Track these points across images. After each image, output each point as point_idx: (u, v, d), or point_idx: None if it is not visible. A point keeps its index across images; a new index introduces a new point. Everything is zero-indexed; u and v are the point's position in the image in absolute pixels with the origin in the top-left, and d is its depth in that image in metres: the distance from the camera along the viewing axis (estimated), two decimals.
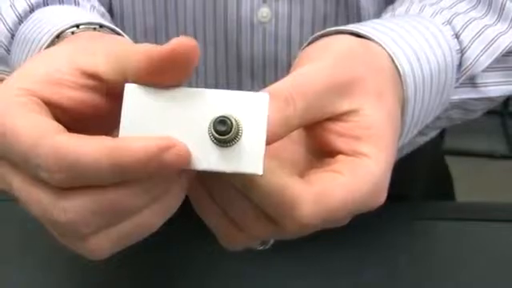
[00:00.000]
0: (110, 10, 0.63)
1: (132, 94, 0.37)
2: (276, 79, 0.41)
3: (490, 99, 0.56)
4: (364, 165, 0.41)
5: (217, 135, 0.36)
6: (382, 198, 0.42)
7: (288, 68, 0.47)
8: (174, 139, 0.36)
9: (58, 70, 0.39)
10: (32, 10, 0.52)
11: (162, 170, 0.36)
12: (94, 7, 0.56)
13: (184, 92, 0.37)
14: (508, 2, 0.53)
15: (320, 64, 0.43)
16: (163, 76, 0.37)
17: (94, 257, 0.39)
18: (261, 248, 0.44)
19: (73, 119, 0.39)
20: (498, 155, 2.14)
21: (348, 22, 0.58)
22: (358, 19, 0.60)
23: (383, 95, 0.43)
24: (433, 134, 0.61)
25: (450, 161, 0.90)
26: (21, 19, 0.52)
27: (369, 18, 0.60)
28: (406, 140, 0.51)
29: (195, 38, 0.62)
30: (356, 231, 0.57)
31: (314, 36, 0.47)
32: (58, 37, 0.46)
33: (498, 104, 0.58)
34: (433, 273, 0.57)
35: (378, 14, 0.61)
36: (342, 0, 0.60)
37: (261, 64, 0.62)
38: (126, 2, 0.62)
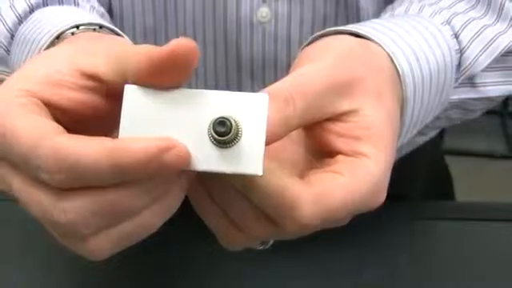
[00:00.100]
0: (110, 11, 0.63)
1: (132, 95, 0.37)
2: (276, 79, 0.41)
3: (489, 99, 0.56)
4: (363, 165, 0.41)
5: (216, 136, 0.36)
6: (382, 198, 0.42)
7: (287, 68, 0.47)
8: (173, 140, 0.36)
9: (57, 71, 0.39)
10: (32, 10, 0.52)
11: (161, 171, 0.36)
12: (94, 8, 0.56)
13: (184, 93, 0.37)
14: (507, 2, 0.53)
15: (320, 64, 0.43)
16: (163, 77, 0.37)
17: (94, 257, 0.39)
18: (261, 248, 0.44)
19: (73, 120, 0.39)
20: (498, 155, 2.14)
21: (347, 22, 0.58)
22: (358, 19, 0.60)
23: (383, 95, 0.43)
24: (432, 133, 0.61)
25: (449, 161, 0.90)
26: (20, 20, 0.52)
27: (368, 18, 0.60)
28: (406, 140, 0.51)
29: (195, 38, 0.62)
30: (356, 231, 0.57)
31: (313, 36, 0.47)
32: (58, 37, 0.46)
33: (497, 104, 0.58)
34: (433, 273, 0.57)
35: (377, 14, 0.61)
36: (341, 0, 0.60)
37: (260, 64, 0.62)
38: (125, 3, 0.62)
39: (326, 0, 0.60)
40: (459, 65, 0.53)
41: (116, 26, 0.49)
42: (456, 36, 0.52)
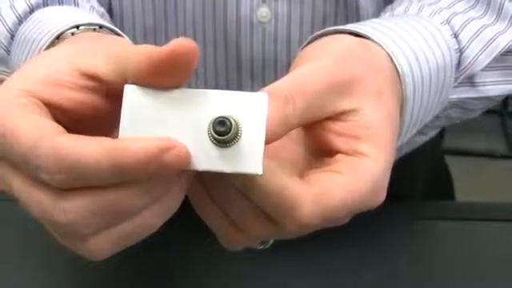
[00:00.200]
0: (110, 11, 0.63)
1: (131, 95, 0.37)
2: (275, 79, 0.41)
3: (488, 98, 0.56)
4: (363, 164, 0.41)
5: (216, 136, 0.36)
6: (382, 197, 0.42)
7: (287, 68, 0.47)
8: (173, 140, 0.36)
9: (57, 71, 0.39)
10: (32, 10, 0.52)
11: (161, 171, 0.36)
12: (94, 8, 0.56)
13: (183, 93, 0.37)
14: (506, 2, 0.53)
15: (320, 63, 0.43)
16: (163, 77, 0.37)
17: (94, 257, 0.39)
18: (261, 248, 0.44)
19: (73, 120, 0.39)
20: (498, 155, 2.14)
21: (347, 22, 0.58)
22: (357, 19, 0.60)
23: (382, 95, 0.43)
24: (432, 133, 0.61)
25: (449, 161, 0.90)
26: (20, 20, 0.52)
27: (368, 18, 0.60)
28: (405, 139, 0.51)
29: (195, 38, 0.62)
30: (356, 231, 0.57)
31: (313, 35, 0.47)
32: (58, 38, 0.46)
33: (497, 103, 0.58)
34: (433, 273, 0.57)
35: (376, 14, 0.61)
36: (341, 0, 0.60)
37: (260, 64, 0.62)
38: (125, 3, 0.62)
39: (326, 0, 0.60)
40: (459, 64, 0.53)
41: (116, 26, 0.49)
42: (455, 35, 0.52)
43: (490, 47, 0.53)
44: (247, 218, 0.40)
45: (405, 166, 0.71)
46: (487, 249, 0.60)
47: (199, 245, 0.57)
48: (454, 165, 0.94)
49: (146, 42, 0.63)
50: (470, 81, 0.54)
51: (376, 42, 0.46)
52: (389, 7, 0.58)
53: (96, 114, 0.40)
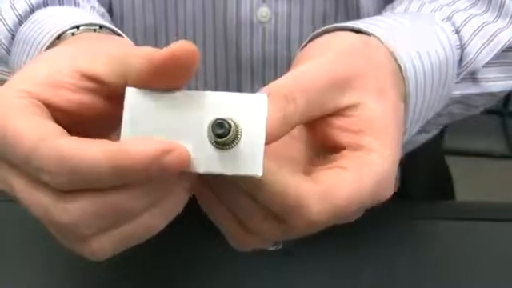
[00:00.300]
0: (110, 10, 0.63)
1: (132, 97, 0.37)
2: (276, 79, 0.41)
3: (491, 94, 0.55)
4: (369, 159, 0.40)
5: (215, 138, 0.36)
6: (390, 190, 0.42)
7: (288, 67, 0.47)
8: (174, 142, 0.36)
9: (58, 72, 0.39)
10: (32, 10, 0.52)
11: (162, 173, 0.36)
12: (94, 8, 0.56)
13: (184, 95, 0.37)
14: (507, 0, 0.53)
15: (320, 61, 0.42)
16: (163, 79, 0.37)
17: (95, 258, 0.39)
18: (272, 249, 0.44)
19: (73, 121, 0.39)
20: (498, 155, 2.14)
21: (347, 21, 0.58)
22: (358, 18, 0.60)
23: (385, 90, 0.43)
24: (434, 131, 0.61)
25: (449, 160, 0.90)
26: (21, 20, 0.52)
27: (368, 17, 0.60)
28: (408, 137, 0.50)
29: (194, 37, 0.62)
30: (356, 231, 0.57)
31: (313, 34, 0.47)
32: (59, 38, 0.46)
33: (499, 100, 0.58)
34: (433, 273, 0.57)
35: (377, 13, 0.61)
36: None
37: (260, 64, 0.62)
38: (125, 2, 0.62)
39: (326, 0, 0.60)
40: (461, 60, 0.52)
41: (116, 26, 0.49)
42: (457, 32, 0.52)
43: (491, 43, 0.53)
44: (255, 218, 0.40)
45: (405, 165, 0.71)
46: (487, 248, 0.60)
47: (200, 245, 0.57)
48: (455, 165, 0.94)
49: (146, 41, 0.63)
50: (472, 76, 0.54)
51: (377, 39, 0.46)
52: (389, 6, 0.58)
53: (96, 115, 0.40)
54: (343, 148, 0.41)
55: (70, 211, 0.37)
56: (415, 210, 0.64)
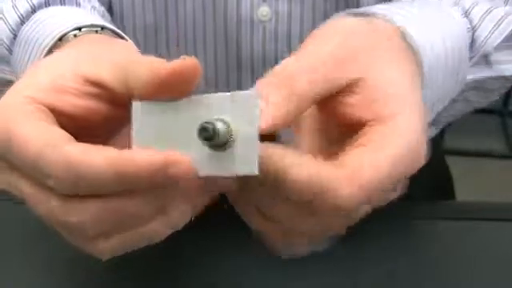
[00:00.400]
0: (110, 9, 0.63)
1: (139, 111, 0.39)
2: None
3: (505, 78, 0.55)
4: (391, 130, 0.39)
5: (205, 141, 0.36)
6: (422, 156, 0.40)
7: None
8: (176, 154, 0.36)
9: (61, 76, 0.40)
10: (34, 10, 0.53)
11: (165, 182, 0.36)
12: (95, 8, 0.56)
13: (185, 102, 0.38)
14: None
15: (325, 40, 0.42)
16: (167, 92, 0.38)
17: (103, 257, 0.40)
18: (317, 250, 0.43)
19: (78, 125, 0.40)
20: (498, 155, 2.14)
21: None
22: None
23: (395, 60, 0.42)
24: (449, 118, 0.59)
25: (449, 161, 0.90)
26: (23, 20, 0.52)
27: None
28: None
29: (195, 35, 0.62)
30: (356, 231, 0.57)
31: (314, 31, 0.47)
32: (61, 39, 0.47)
33: (499, 100, 0.58)
34: (433, 273, 0.57)
35: None
36: None
37: (261, 62, 0.62)
38: (125, 1, 0.62)
39: None
40: (472, 43, 0.52)
41: (116, 25, 0.50)
42: (466, 14, 0.52)
43: (500, 26, 0.53)
44: (291, 216, 0.39)
45: None
46: (487, 248, 0.60)
47: (200, 245, 0.57)
48: (455, 165, 0.94)
49: (146, 39, 0.63)
50: (485, 60, 0.54)
51: (382, 17, 0.45)
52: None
53: (100, 119, 0.41)
54: (363, 125, 0.40)
55: (74, 214, 0.37)
56: (415, 210, 0.64)
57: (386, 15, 0.45)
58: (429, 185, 0.82)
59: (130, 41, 0.48)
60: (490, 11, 0.53)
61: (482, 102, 0.58)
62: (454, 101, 0.53)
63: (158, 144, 0.38)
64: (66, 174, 0.36)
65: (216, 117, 0.36)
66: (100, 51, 0.42)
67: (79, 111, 0.40)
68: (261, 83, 0.39)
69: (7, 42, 0.52)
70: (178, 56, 0.38)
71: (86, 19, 0.48)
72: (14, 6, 0.53)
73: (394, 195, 0.41)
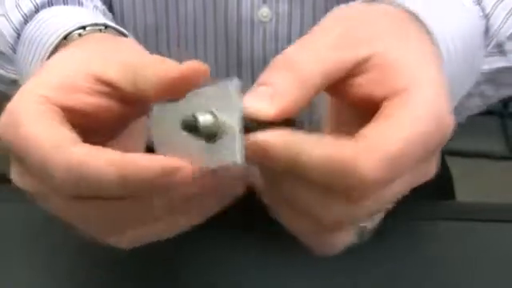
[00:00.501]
0: (110, 8, 0.63)
1: (156, 113, 0.39)
2: None
3: None
4: (410, 98, 0.37)
5: (196, 135, 0.36)
6: (448, 124, 0.38)
7: None
8: (179, 160, 0.36)
9: (72, 75, 0.40)
10: (37, 10, 0.53)
11: (167, 187, 0.37)
12: (97, 7, 0.57)
13: (183, 99, 0.39)
14: None
15: (328, 24, 0.41)
16: (175, 93, 0.38)
17: (122, 247, 0.41)
18: (357, 242, 0.42)
19: (89, 124, 0.40)
20: (498, 156, 2.14)
21: None
22: None
23: (403, 37, 0.40)
24: (464, 114, 0.58)
25: (450, 161, 0.90)
26: (26, 19, 0.53)
27: None
28: None
29: (195, 35, 0.62)
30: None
31: None
32: (66, 38, 0.47)
33: (499, 101, 0.58)
34: (433, 273, 0.57)
35: None
36: None
37: (261, 62, 0.62)
38: (126, 1, 0.62)
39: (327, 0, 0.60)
40: (486, 31, 0.51)
41: (117, 24, 0.50)
42: (478, 2, 0.51)
43: None
44: (317, 204, 0.37)
45: None
46: (487, 249, 0.60)
47: (200, 245, 0.57)
48: (455, 165, 0.94)
49: (147, 39, 0.63)
50: (500, 49, 0.53)
51: (397, 6, 0.43)
52: None
53: (109, 116, 0.41)
54: (379, 105, 0.38)
55: (80, 213, 0.39)
56: (415, 210, 0.64)
57: (394, 1, 0.44)
58: (429, 185, 0.81)
59: (132, 38, 0.49)
60: (502, 0, 0.52)
61: (498, 96, 0.57)
62: (470, 95, 0.53)
63: (172, 145, 0.38)
64: (67, 175, 0.36)
65: (208, 109, 0.37)
66: (108, 50, 0.43)
67: (90, 109, 0.40)
68: (265, 72, 0.38)
69: (11, 41, 0.53)
70: (178, 56, 0.38)
71: (88, 18, 0.48)
72: (18, 6, 0.53)
73: (430, 170, 0.39)
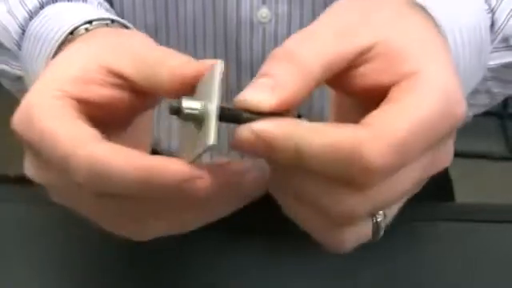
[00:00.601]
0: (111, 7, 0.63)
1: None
2: None
3: None
4: (417, 81, 0.36)
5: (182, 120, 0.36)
6: (458, 112, 0.36)
7: None
8: (197, 170, 0.36)
9: (86, 67, 0.40)
10: (42, 6, 0.53)
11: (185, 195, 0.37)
12: (101, 4, 0.57)
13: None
14: None
15: (327, 16, 0.40)
16: (188, 89, 0.39)
17: (137, 240, 0.41)
18: (370, 240, 0.41)
19: (102, 116, 0.41)
20: (498, 156, 2.14)
21: None
22: None
23: (407, 24, 0.39)
24: (470, 113, 0.58)
25: None
26: (31, 15, 0.53)
27: None
28: None
29: (195, 36, 0.62)
30: None
31: None
32: (72, 33, 0.47)
33: (498, 102, 0.58)
34: (433, 274, 0.57)
35: None
36: None
37: (260, 63, 0.61)
38: (126, 0, 0.62)
39: (326, 0, 0.60)
40: (492, 25, 0.51)
41: None
42: None
43: None
44: (324, 195, 0.36)
45: None
46: (488, 250, 0.60)
47: (200, 245, 0.57)
48: (454, 166, 0.93)
49: None
50: (506, 44, 0.53)
51: None
52: None
53: (123, 107, 0.41)
54: (385, 93, 0.37)
55: (99, 208, 0.39)
56: (415, 211, 0.64)
57: None
58: (428, 186, 0.81)
59: (138, 32, 0.48)
60: None
61: (504, 94, 0.56)
62: (477, 91, 0.52)
63: (180, 132, 0.39)
64: (88, 172, 0.36)
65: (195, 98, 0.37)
66: (117, 43, 0.43)
67: (104, 101, 0.40)
68: (265, 63, 0.37)
69: (16, 38, 0.53)
70: None
71: (93, 14, 0.49)
72: (22, 2, 0.53)
73: (441, 159, 0.38)
